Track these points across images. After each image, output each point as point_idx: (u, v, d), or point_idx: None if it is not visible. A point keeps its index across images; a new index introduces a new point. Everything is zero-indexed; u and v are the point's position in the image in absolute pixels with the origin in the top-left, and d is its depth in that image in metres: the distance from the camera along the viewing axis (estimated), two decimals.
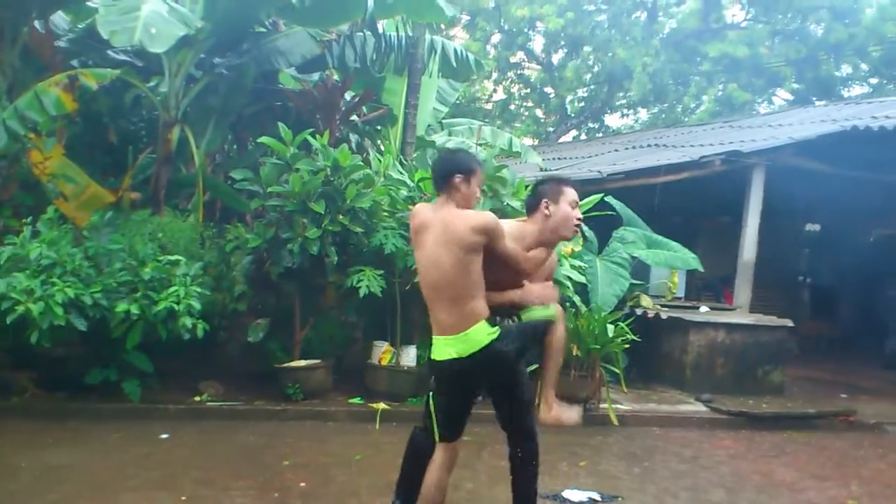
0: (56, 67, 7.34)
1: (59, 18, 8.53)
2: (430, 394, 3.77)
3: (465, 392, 3.69)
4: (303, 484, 4.96)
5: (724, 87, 22.44)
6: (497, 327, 3.53)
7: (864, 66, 22.34)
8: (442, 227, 3.53)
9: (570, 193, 3.78)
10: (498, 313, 3.62)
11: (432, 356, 3.64)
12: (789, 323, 8.87)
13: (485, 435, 5.59)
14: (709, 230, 11.65)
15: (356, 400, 6.93)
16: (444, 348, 3.54)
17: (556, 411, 3.84)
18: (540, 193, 3.80)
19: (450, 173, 3.63)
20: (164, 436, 5.81)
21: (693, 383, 8.34)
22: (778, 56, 21.78)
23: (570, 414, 3.82)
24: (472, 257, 3.47)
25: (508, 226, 3.74)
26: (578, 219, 3.77)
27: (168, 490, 4.69)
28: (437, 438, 3.72)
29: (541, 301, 3.70)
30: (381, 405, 6.74)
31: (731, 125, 14.35)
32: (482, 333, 3.49)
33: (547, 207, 3.73)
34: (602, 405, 7.17)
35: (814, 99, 21.05)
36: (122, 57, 8.11)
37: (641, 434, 6.93)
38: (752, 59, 21.25)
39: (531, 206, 3.81)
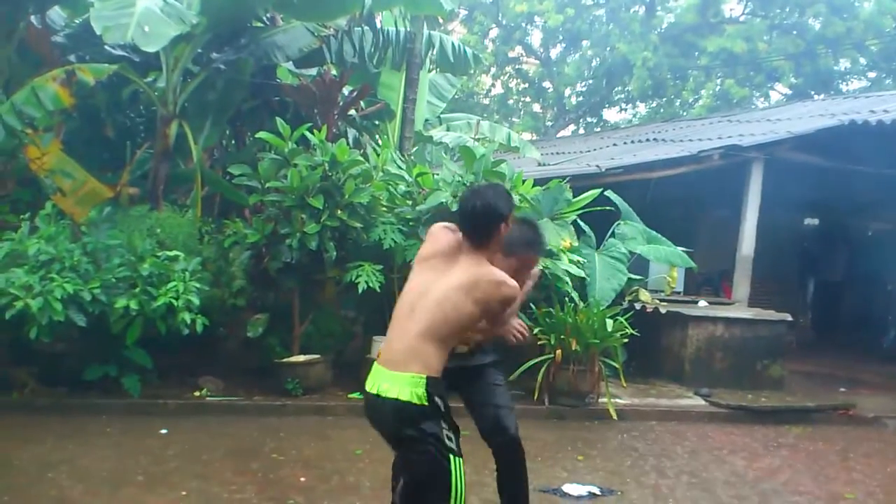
0: (53, 62, 7.32)
1: (56, 14, 8.50)
2: None
3: (382, 433, 3.11)
4: (302, 479, 4.96)
5: (722, 81, 22.45)
6: (428, 398, 2.93)
7: (862, 60, 22.38)
8: (470, 275, 3.00)
9: (527, 261, 3.51)
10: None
11: (365, 385, 3.11)
12: (788, 317, 8.88)
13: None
14: (707, 224, 11.64)
15: (355, 395, 6.92)
16: (375, 379, 3.03)
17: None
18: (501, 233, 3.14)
19: (496, 220, 3.07)
20: (164, 431, 5.80)
21: (692, 377, 8.35)
22: (776, 50, 21.78)
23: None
24: (477, 316, 3.03)
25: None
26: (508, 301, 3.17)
27: (167, 485, 4.69)
28: None
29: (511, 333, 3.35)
30: None
31: (730, 119, 14.33)
32: (413, 386, 2.91)
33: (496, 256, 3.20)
34: (601, 399, 7.19)
35: (812, 93, 21.07)
36: (120, 52, 8.08)
37: (640, 428, 6.94)
38: (751, 54, 21.27)
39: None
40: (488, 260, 3.07)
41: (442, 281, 3.03)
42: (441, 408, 2.97)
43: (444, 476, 2.95)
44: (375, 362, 3.09)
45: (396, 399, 2.92)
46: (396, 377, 2.95)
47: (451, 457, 2.96)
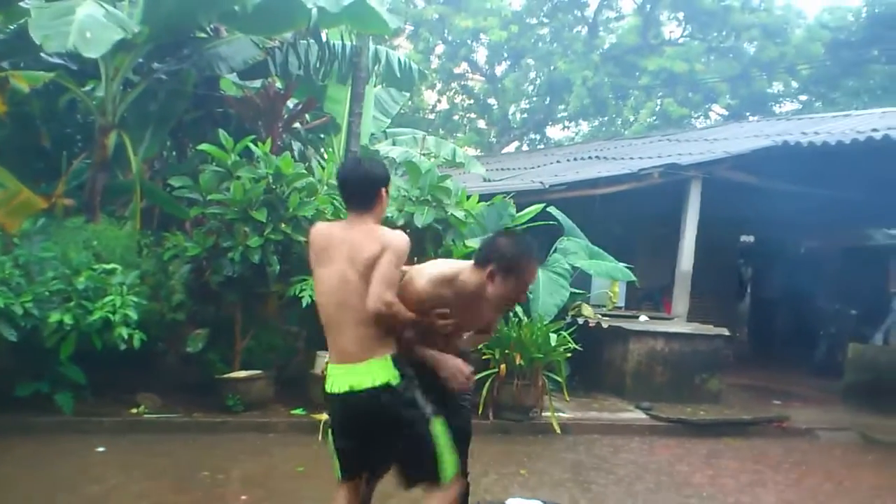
0: None
1: None
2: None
3: (360, 432, 3.23)
4: (244, 497, 4.86)
5: (661, 101, 23.02)
6: (400, 373, 3.11)
7: (794, 84, 23.22)
8: (354, 243, 3.14)
9: (529, 276, 3.17)
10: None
11: (325, 388, 3.24)
12: (725, 332, 9.09)
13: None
14: (648, 240, 11.89)
15: (298, 411, 6.83)
16: (340, 379, 3.14)
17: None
18: (496, 256, 3.12)
19: (377, 185, 3.24)
20: (101, 449, 5.62)
21: (633, 391, 8.48)
22: (713, 72, 22.47)
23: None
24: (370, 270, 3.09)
25: (449, 267, 3.29)
26: (514, 301, 3.25)
27: None
28: (336, 475, 3.36)
29: (450, 376, 3.19)
30: (324, 416, 6.66)
31: (669, 139, 14.69)
32: (384, 369, 3.08)
33: (493, 278, 3.11)
34: (545, 413, 7.24)
35: (747, 114, 21.76)
36: (57, 60, 7.87)
37: (583, 441, 7.01)
38: (689, 75, 21.91)
39: (480, 261, 3.15)
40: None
41: (340, 262, 3.16)
42: (412, 378, 3.14)
43: (430, 441, 3.10)
44: (330, 365, 3.21)
45: (373, 387, 3.07)
46: (362, 368, 3.08)
47: (433, 419, 3.13)
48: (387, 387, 3.08)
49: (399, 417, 3.11)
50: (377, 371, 3.07)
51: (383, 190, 3.28)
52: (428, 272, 3.24)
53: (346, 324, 3.13)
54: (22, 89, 6.74)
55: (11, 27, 8.20)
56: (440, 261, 3.51)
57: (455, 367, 3.20)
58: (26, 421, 5.97)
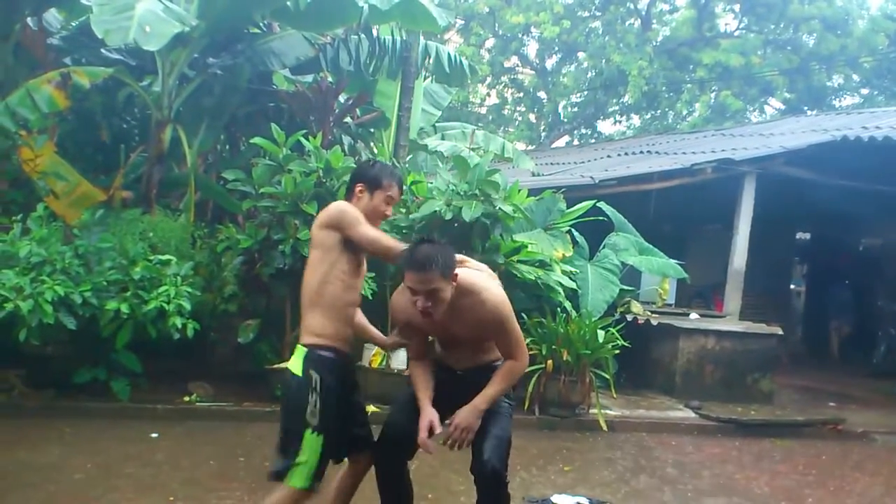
0: (49, 65, 7.33)
1: (52, 16, 8.50)
2: None
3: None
4: None
5: (716, 94, 22.58)
6: (304, 369, 3.15)
7: (855, 77, 22.56)
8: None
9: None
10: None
11: None
12: (779, 331, 8.91)
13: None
14: (699, 237, 11.70)
15: None
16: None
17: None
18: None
19: (353, 181, 3.42)
20: (154, 435, 5.78)
21: (682, 390, 8.37)
22: (770, 65, 21.94)
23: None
24: (321, 256, 3.20)
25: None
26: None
27: (156, 490, 4.67)
28: None
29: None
30: (372, 408, 6.67)
31: (723, 133, 14.41)
32: (296, 357, 3.20)
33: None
34: (592, 410, 7.19)
35: (805, 108, 21.24)
36: (116, 55, 8.10)
37: (630, 439, 6.94)
38: (745, 68, 21.42)
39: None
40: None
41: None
42: (313, 382, 3.15)
43: (296, 445, 3.16)
44: None
45: (286, 367, 3.24)
46: (296, 349, 3.25)
47: (308, 431, 3.15)
48: (288, 372, 3.20)
49: (283, 405, 3.29)
50: (295, 355, 3.21)
51: (357, 187, 3.35)
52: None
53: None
54: (83, 85, 6.95)
55: (73, 24, 8.46)
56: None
57: (423, 423, 3.25)
58: (84, 406, 6.17)
